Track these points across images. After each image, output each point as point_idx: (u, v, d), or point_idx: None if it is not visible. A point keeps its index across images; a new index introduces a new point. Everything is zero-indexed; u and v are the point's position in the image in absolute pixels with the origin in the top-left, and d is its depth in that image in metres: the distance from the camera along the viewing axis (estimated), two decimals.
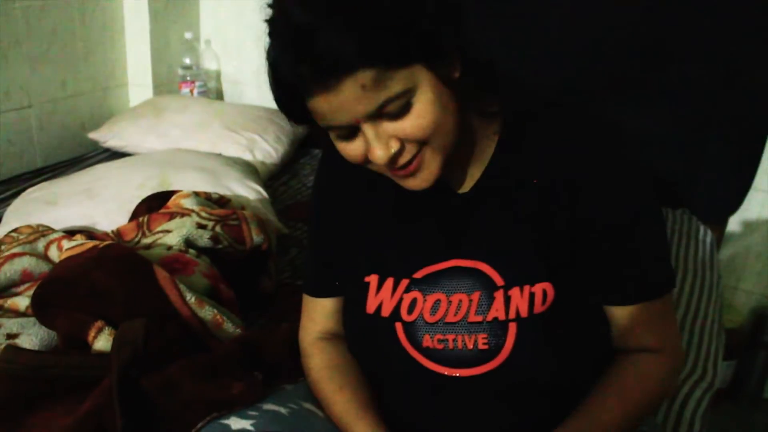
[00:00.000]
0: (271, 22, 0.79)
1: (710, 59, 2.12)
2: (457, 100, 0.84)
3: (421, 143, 0.82)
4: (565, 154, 0.88)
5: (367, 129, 0.81)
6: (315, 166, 2.39)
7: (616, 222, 0.88)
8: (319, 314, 1.04)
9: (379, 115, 0.79)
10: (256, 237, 1.52)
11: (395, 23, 0.75)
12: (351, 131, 0.82)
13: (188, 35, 2.73)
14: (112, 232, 1.54)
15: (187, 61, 2.72)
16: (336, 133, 0.84)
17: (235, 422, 0.91)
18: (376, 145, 0.81)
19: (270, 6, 0.79)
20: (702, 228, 2.23)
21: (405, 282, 0.92)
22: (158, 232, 1.47)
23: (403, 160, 0.83)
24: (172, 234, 1.44)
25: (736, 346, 2.38)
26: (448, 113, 0.82)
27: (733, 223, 2.42)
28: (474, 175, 0.93)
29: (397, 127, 0.80)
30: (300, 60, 0.75)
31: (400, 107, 0.79)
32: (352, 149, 0.84)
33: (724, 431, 2.29)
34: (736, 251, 2.46)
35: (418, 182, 0.86)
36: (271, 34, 0.79)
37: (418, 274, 0.91)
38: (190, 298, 1.22)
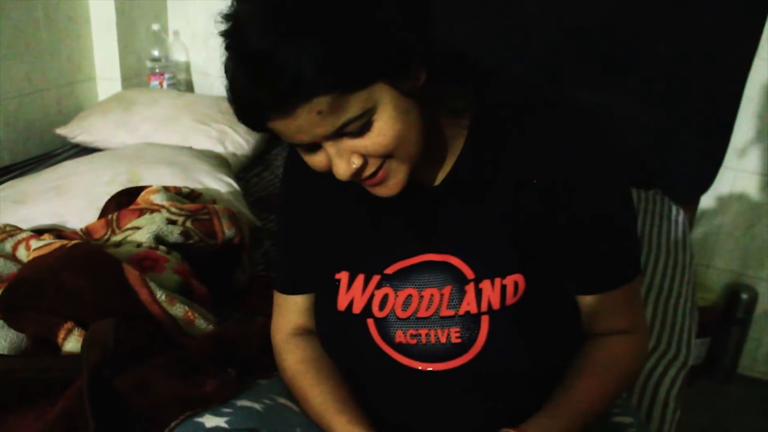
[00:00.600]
0: (227, 37, 0.77)
1: (680, 39, 2.14)
2: (423, 106, 0.83)
3: (384, 158, 0.82)
4: (536, 146, 0.87)
5: (329, 147, 0.81)
6: None
7: (588, 214, 0.88)
8: (290, 311, 1.03)
9: (339, 134, 0.79)
10: (228, 231, 1.51)
11: (356, 47, 0.73)
12: (314, 146, 0.82)
13: (156, 26, 2.69)
14: (81, 230, 1.52)
15: (156, 53, 2.69)
16: (299, 147, 0.84)
17: (209, 420, 0.90)
18: (338, 162, 0.81)
19: (226, 20, 0.77)
20: (674, 208, 2.26)
21: (376, 278, 0.91)
22: (128, 229, 1.46)
23: (366, 173, 0.83)
24: (142, 231, 1.42)
25: (709, 324, 2.41)
26: (411, 125, 0.81)
27: (705, 202, 2.44)
28: (444, 169, 0.92)
29: (357, 144, 0.80)
30: (256, 84, 0.74)
31: (360, 127, 0.78)
32: (316, 161, 0.84)
33: (699, 408, 2.32)
34: (708, 230, 2.49)
35: (385, 191, 0.86)
36: (227, 50, 0.77)
37: (389, 270, 0.91)
38: (161, 295, 1.20)
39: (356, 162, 0.81)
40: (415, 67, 0.79)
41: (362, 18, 0.73)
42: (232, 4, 0.78)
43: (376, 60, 0.75)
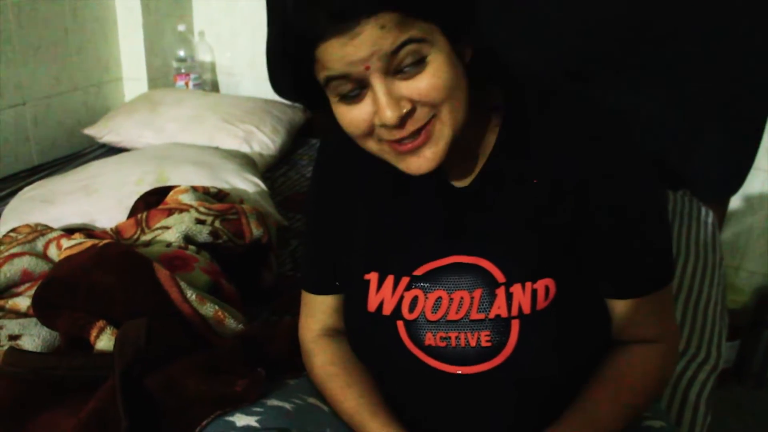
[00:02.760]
0: None
1: (707, 36, 2.11)
2: (468, 84, 0.82)
3: (433, 109, 0.80)
4: (569, 149, 0.86)
5: (378, 85, 0.77)
6: (313, 156, 2.39)
7: (620, 219, 0.87)
8: (319, 311, 1.04)
9: (392, 70, 0.77)
10: (256, 230, 1.52)
11: None
12: (358, 89, 0.79)
13: (181, 27, 2.71)
14: (111, 229, 1.54)
15: (182, 53, 2.72)
16: (340, 94, 0.80)
17: (239, 419, 0.91)
18: (387, 102, 0.78)
19: None
20: (703, 209, 2.23)
21: (405, 280, 0.91)
22: (157, 228, 1.47)
23: (412, 125, 0.79)
24: (171, 230, 1.44)
25: (739, 327, 2.39)
26: (460, 83, 0.80)
27: (735, 203, 2.42)
28: (474, 168, 0.91)
29: (410, 86, 0.78)
30: (315, 3, 0.74)
31: (416, 61, 0.76)
32: (356, 114, 0.80)
33: (729, 412, 2.30)
34: (738, 231, 2.46)
35: (422, 161, 0.82)
36: None
37: (419, 271, 0.91)
38: (191, 295, 1.22)
39: (406, 106, 0.78)
40: (465, 35, 0.81)
41: None
42: None
43: (443, 6, 0.77)
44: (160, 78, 2.73)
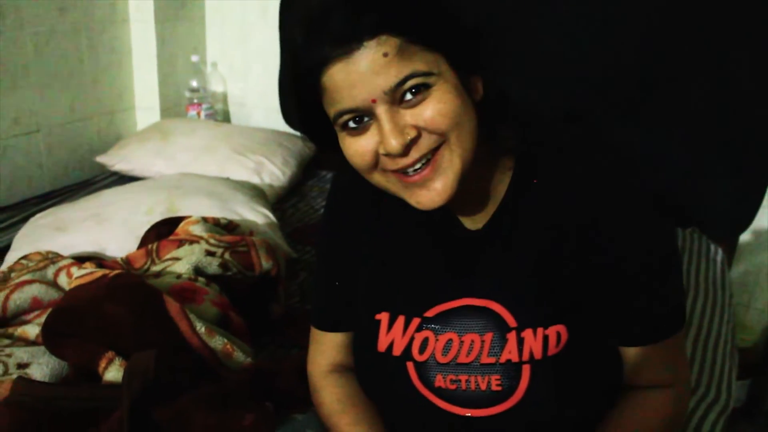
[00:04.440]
0: (284, 7, 0.79)
1: (713, 76, 2.12)
2: (477, 118, 0.82)
3: (440, 138, 0.79)
4: (580, 195, 0.87)
5: (383, 114, 0.77)
6: (323, 189, 2.41)
7: (632, 267, 0.87)
8: (328, 347, 1.04)
9: (397, 100, 0.77)
10: (265, 263, 1.53)
11: (430, 6, 0.77)
12: (363, 121, 0.79)
13: (195, 58, 2.75)
14: (122, 259, 1.55)
15: (194, 83, 2.75)
16: (347, 125, 0.80)
17: None
18: (390, 130, 0.77)
19: None
20: (712, 246, 2.23)
21: (416, 321, 0.91)
22: (167, 259, 1.48)
23: (417, 153, 0.79)
24: (182, 262, 1.45)
25: (750, 365, 2.37)
26: (468, 113, 0.80)
27: (745, 240, 2.41)
28: (487, 211, 0.92)
29: (415, 114, 0.77)
30: (319, 26, 0.75)
31: (420, 92, 0.77)
32: (362, 144, 0.80)
33: None
34: (748, 269, 2.46)
35: (432, 194, 0.81)
36: (285, 18, 0.79)
37: (430, 313, 0.91)
38: (201, 327, 1.22)
39: (411, 134, 0.78)
40: (472, 67, 0.81)
41: None
42: None
43: (443, 29, 0.77)
44: (172, 107, 2.77)
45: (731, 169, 2.21)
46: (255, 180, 2.25)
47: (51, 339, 1.22)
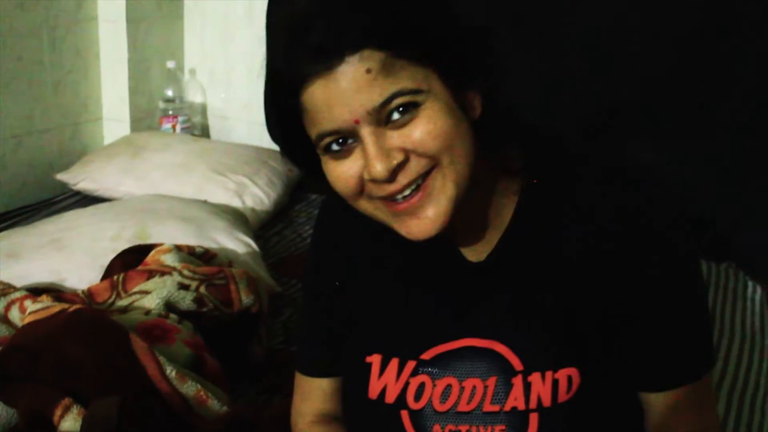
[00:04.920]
0: (269, 13, 0.80)
1: (758, 94, 2.14)
2: (474, 138, 0.82)
3: (431, 161, 0.79)
4: (599, 221, 0.87)
5: (367, 135, 0.77)
6: (312, 214, 2.41)
7: (655, 301, 0.86)
8: (314, 395, 1.04)
9: (383, 120, 0.78)
10: (246, 298, 1.53)
11: (419, 14, 0.76)
12: (347, 143, 0.80)
13: (171, 64, 2.76)
14: (83, 292, 1.55)
15: (170, 93, 2.76)
16: (329, 147, 0.81)
17: None
18: (375, 153, 0.78)
19: None
20: (750, 283, 2.23)
21: (411, 364, 0.91)
22: (135, 293, 1.48)
23: (405, 178, 0.79)
24: (151, 296, 1.45)
25: None
26: (462, 134, 0.80)
27: None
28: (490, 241, 0.92)
29: (402, 135, 0.78)
30: (298, 38, 0.75)
31: (408, 111, 0.77)
32: (345, 169, 0.80)
33: None
34: None
35: (422, 224, 0.82)
36: (269, 25, 0.80)
37: (426, 355, 0.90)
38: (171, 371, 1.22)
39: (398, 157, 0.78)
40: (468, 83, 0.81)
41: None
42: None
43: (434, 42, 0.77)
44: (144, 119, 2.77)
45: None
46: (236, 203, 2.26)
47: (0, 383, 1.21)
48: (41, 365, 1.20)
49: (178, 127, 2.76)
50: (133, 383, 1.20)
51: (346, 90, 0.75)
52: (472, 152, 0.82)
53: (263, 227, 2.30)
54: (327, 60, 0.75)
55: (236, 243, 1.89)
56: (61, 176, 2.46)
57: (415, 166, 0.79)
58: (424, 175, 0.80)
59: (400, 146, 0.78)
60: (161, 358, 1.23)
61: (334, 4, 0.75)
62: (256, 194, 2.33)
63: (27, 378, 1.20)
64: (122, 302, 1.48)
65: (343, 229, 1.00)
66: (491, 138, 0.85)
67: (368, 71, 0.74)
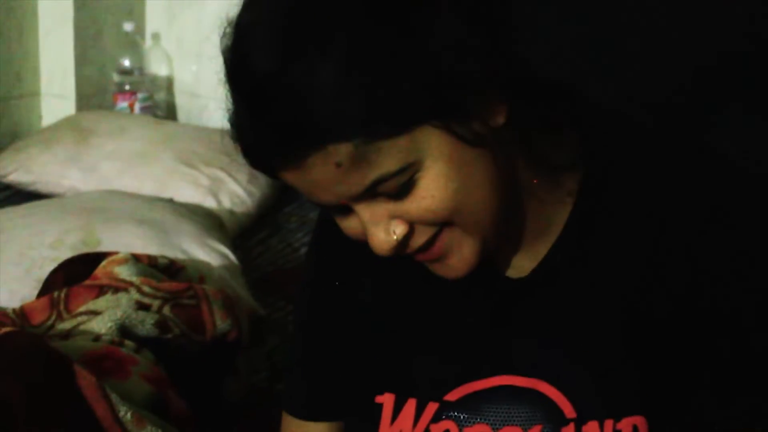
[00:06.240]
0: (226, 55, 0.80)
1: None
2: (501, 156, 0.83)
3: (440, 225, 0.82)
4: (679, 227, 0.87)
5: (360, 210, 0.81)
6: (306, 218, 2.41)
7: (756, 323, 0.88)
8: None
9: (371, 195, 0.80)
10: (221, 323, 1.53)
11: (390, 74, 0.74)
12: (342, 207, 0.83)
13: (128, 27, 2.78)
14: (14, 311, 1.55)
15: (126, 63, 2.77)
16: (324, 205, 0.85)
17: None
18: (373, 231, 0.81)
19: (229, 31, 0.80)
20: None
21: (433, 406, 0.91)
22: (81, 313, 1.49)
23: (415, 245, 0.83)
24: (102, 317, 1.45)
25: None
26: (477, 184, 0.81)
27: None
28: (536, 253, 0.91)
29: (399, 208, 0.80)
30: (256, 120, 0.77)
31: (401, 186, 0.78)
32: (349, 225, 0.85)
33: None
34: None
35: (447, 271, 0.86)
36: (226, 73, 0.80)
37: (452, 396, 0.91)
38: (125, 413, 1.22)
39: (398, 230, 0.81)
40: (484, 103, 0.80)
41: (400, 32, 0.75)
42: (239, 10, 0.80)
43: (420, 95, 0.75)
44: (94, 96, 2.79)
45: None
46: (210, 203, 2.27)
47: None
48: None
49: (136, 107, 2.78)
50: (77, 429, 1.20)
51: (320, 181, 0.78)
52: (499, 197, 0.83)
53: (244, 234, 2.32)
54: (291, 158, 0.77)
55: (209, 253, 1.90)
56: None
57: (423, 232, 0.82)
58: (435, 236, 0.83)
59: (398, 216, 0.81)
60: (114, 397, 1.23)
61: (290, 82, 0.74)
62: (235, 191, 2.34)
63: None
64: (64, 325, 1.48)
65: (347, 241, 1.00)
66: (528, 133, 0.86)
67: (338, 165, 0.76)
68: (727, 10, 2.17)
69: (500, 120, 0.81)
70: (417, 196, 0.79)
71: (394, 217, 0.81)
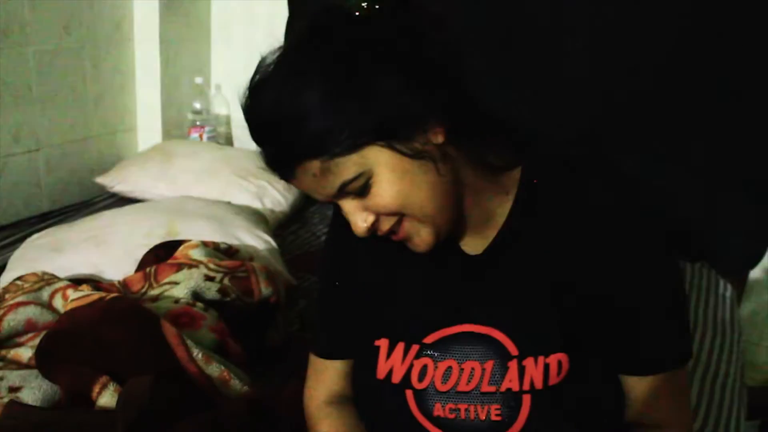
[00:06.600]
0: (243, 111, 0.85)
1: (730, 107, 2.13)
2: (444, 164, 0.84)
3: (396, 215, 0.85)
4: (584, 222, 0.87)
5: (342, 204, 0.86)
6: (325, 215, 2.42)
7: (637, 295, 0.87)
8: (328, 376, 1.04)
9: (343, 194, 0.84)
10: (265, 289, 1.53)
11: (342, 112, 0.79)
12: (333, 202, 0.87)
13: (199, 80, 2.78)
14: (119, 282, 1.55)
15: (197, 105, 2.77)
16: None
17: None
18: (352, 219, 0.86)
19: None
20: (722, 282, 2.23)
21: (415, 347, 0.91)
22: (165, 283, 1.49)
23: (383, 228, 0.86)
24: (180, 286, 1.46)
25: (759, 406, 2.35)
26: (419, 187, 0.83)
27: (755, 276, 2.41)
28: (487, 236, 0.92)
29: (365, 203, 0.84)
30: (263, 149, 0.84)
31: (359, 188, 0.83)
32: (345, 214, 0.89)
33: None
34: (758, 306, 2.45)
35: (415, 247, 0.89)
36: (246, 120, 0.86)
37: (429, 339, 0.91)
38: (198, 354, 1.22)
39: (368, 219, 0.85)
40: (423, 127, 0.82)
41: (352, 82, 0.79)
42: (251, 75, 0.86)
43: (365, 126, 0.79)
44: (174, 129, 2.78)
45: (743, 203, 2.21)
46: (256, 205, 2.26)
47: (44, 363, 1.22)
48: (81, 347, 1.21)
49: (204, 136, 2.77)
50: (163, 364, 1.20)
51: (308, 186, 0.84)
52: (443, 196, 0.85)
53: (281, 227, 2.31)
54: (283, 170, 0.84)
55: (257, 240, 1.90)
56: (100, 180, 2.47)
57: (386, 220, 0.86)
58: (398, 224, 0.86)
59: (366, 209, 0.85)
60: (189, 342, 1.23)
61: (272, 129, 0.82)
62: (275, 197, 2.33)
63: (69, 358, 1.20)
64: (154, 292, 1.48)
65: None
66: (468, 145, 0.87)
67: (314, 175, 0.82)
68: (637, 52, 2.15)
69: (440, 139, 0.83)
70: (373, 195, 0.83)
71: (365, 209, 0.85)
